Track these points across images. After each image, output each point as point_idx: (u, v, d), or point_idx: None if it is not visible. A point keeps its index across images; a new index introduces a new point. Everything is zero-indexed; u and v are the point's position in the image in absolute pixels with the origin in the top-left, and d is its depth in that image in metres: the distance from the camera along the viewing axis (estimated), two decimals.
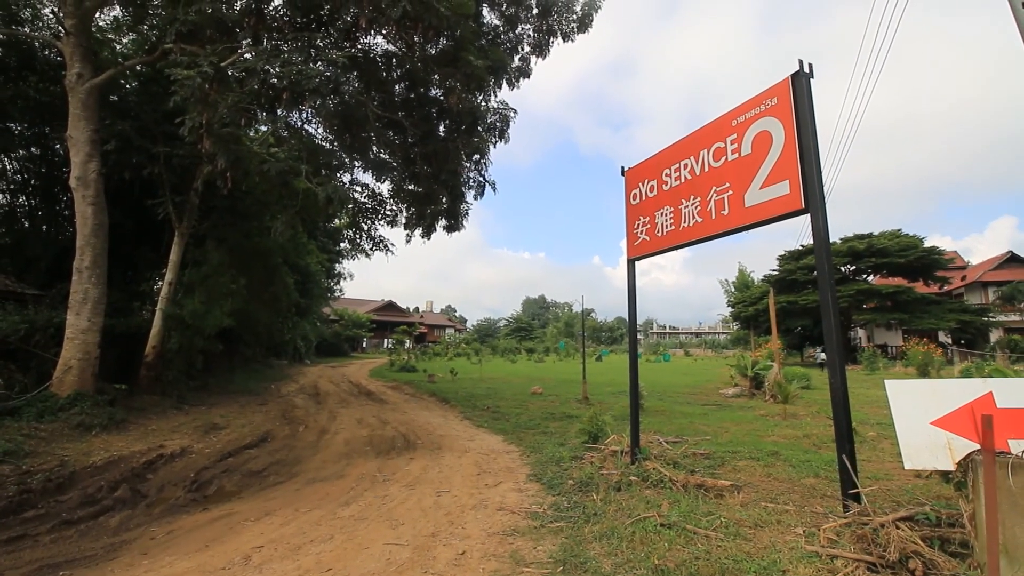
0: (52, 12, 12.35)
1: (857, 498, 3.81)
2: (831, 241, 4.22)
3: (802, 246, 32.75)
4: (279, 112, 10.22)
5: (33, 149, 14.11)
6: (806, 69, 4.39)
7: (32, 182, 14.57)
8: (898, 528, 3.40)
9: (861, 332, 38.95)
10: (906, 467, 3.68)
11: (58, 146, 13.53)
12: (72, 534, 4.63)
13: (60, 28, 11.12)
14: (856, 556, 3.31)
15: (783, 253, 35.26)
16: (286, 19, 10.35)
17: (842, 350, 4.19)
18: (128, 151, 11.95)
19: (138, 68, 12.10)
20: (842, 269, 32.08)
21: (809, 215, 4.18)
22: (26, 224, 14.67)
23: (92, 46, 10.63)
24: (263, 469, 6.85)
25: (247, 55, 9.21)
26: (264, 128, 11.76)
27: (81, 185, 9.73)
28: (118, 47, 13.48)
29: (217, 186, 10.38)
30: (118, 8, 12.37)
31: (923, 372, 19.09)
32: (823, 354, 31.54)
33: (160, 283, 14.19)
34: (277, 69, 8.55)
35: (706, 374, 24.04)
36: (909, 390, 3.73)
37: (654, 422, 9.24)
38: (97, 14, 11.37)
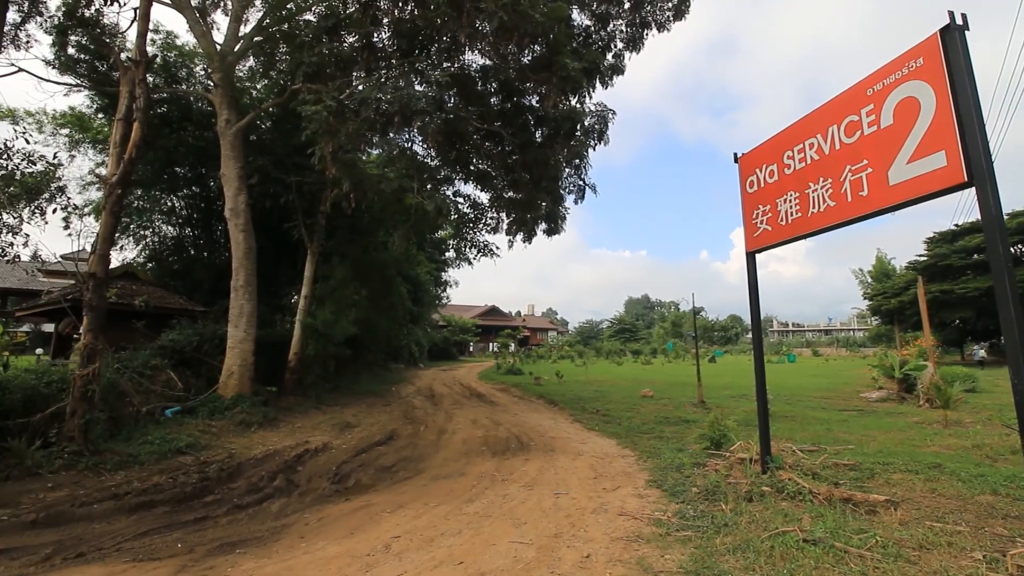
0: (202, 69, 14.51)
1: None
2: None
3: (956, 226, 28.22)
4: (390, 135, 11.02)
5: (194, 188, 16.64)
6: (958, 21, 3.80)
7: (194, 216, 17.18)
8: None
9: None
10: None
11: (212, 183, 15.80)
12: (243, 517, 5.35)
13: (209, 82, 13.02)
14: None
15: (933, 235, 30.60)
16: (392, 48, 11.17)
17: None
18: (267, 183, 13.65)
19: (271, 109, 13.78)
20: (1012, 250, 27.10)
21: (974, 188, 3.60)
22: (192, 252, 17.34)
23: (235, 94, 12.30)
24: (392, 465, 7.39)
25: (361, 87, 10.08)
26: (376, 152, 12.76)
27: (233, 215, 11.27)
28: (254, 93, 15.48)
29: (340, 207, 11.48)
30: (252, 59, 14.20)
31: None
32: (981, 351, 26.90)
33: (297, 297, 15.98)
34: (388, 95, 9.26)
35: (841, 376, 21.61)
36: None
37: (784, 428, 8.50)
38: (236, 66, 13.14)
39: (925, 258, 30.42)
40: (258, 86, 15.69)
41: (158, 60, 13.32)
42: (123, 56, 10.44)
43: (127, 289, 13.40)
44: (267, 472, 6.83)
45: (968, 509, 4.39)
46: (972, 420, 9.11)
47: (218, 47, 11.81)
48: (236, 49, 12.06)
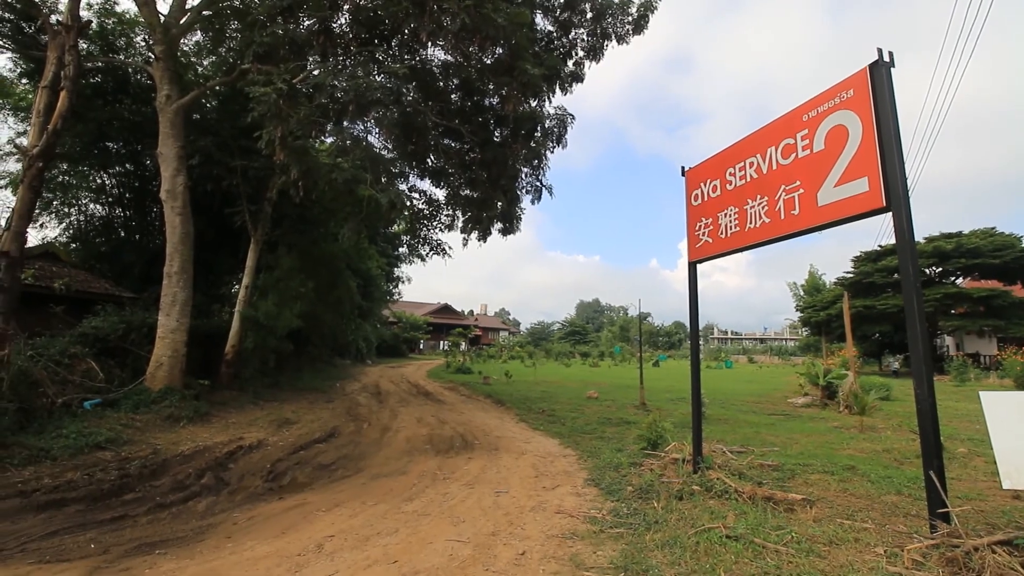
0: (144, 40, 13.61)
1: (946, 518, 3.53)
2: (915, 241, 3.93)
3: (880, 247, 30.50)
4: (345, 123, 10.72)
5: (128, 165, 15.53)
6: (886, 58, 4.12)
7: (127, 195, 16.05)
8: (994, 552, 3.13)
9: (949, 340, 35.74)
10: (1004, 487, 3.38)
11: (148, 162, 14.81)
12: (165, 516, 5.07)
13: (150, 54, 12.24)
14: None
15: (859, 254, 32.97)
16: (351, 35, 10.87)
17: (929, 359, 3.89)
18: (210, 165, 12.95)
19: (218, 88, 13.09)
20: (927, 271, 29.62)
21: (891, 213, 3.92)
22: (122, 234, 16.18)
23: (178, 69, 11.59)
24: (332, 463, 7.20)
25: (316, 71, 9.75)
26: (330, 140, 12.40)
27: (170, 197, 10.63)
28: (199, 69, 14.66)
29: (288, 195, 11.06)
30: (199, 33, 13.45)
31: (1022, 384, 17.26)
32: (896, 362, 29.27)
33: (237, 287, 15.25)
34: (343, 83, 9.00)
35: (772, 382, 22.89)
36: (1008, 403, 3.42)
37: (717, 431, 8.92)
38: (181, 40, 12.40)
39: (851, 275, 32.72)
40: (205, 62, 14.85)
41: (93, 26, 12.36)
42: (53, 19, 9.63)
43: (46, 270, 12.40)
44: (195, 469, 6.49)
45: (875, 508, 4.76)
46: (884, 426, 9.88)
47: (162, 18, 11.10)
48: (182, 22, 11.37)
